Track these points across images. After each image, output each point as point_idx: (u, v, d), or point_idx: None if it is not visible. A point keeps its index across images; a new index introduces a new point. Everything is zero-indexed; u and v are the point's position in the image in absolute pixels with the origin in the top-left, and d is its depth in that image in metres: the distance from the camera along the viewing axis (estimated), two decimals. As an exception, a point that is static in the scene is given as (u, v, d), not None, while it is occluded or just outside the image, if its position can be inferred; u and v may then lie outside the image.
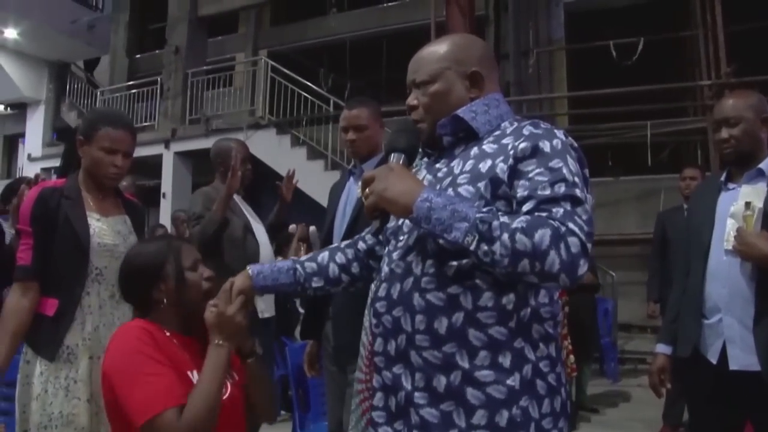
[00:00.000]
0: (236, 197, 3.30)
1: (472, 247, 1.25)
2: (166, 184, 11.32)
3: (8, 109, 15.79)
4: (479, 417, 1.31)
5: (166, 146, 11.31)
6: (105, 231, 2.15)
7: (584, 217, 1.27)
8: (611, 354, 6.42)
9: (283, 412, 4.63)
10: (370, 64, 11.53)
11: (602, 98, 7.92)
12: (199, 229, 3.15)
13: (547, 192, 1.28)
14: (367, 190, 1.38)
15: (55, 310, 2.05)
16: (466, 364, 1.32)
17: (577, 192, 1.29)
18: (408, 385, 1.37)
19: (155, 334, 1.53)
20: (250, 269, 1.64)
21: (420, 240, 1.39)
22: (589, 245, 1.25)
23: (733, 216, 2.18)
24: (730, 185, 2.27)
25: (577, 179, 1.31)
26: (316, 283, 1.64)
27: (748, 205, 2.14)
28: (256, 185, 3.65)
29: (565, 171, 1.30)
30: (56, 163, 13.84)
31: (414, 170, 1.54)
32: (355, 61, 11.69)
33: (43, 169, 13.80)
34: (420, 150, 1.55)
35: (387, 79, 11.38)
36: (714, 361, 2.17)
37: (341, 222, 2.63)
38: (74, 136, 2.27)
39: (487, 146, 1.41)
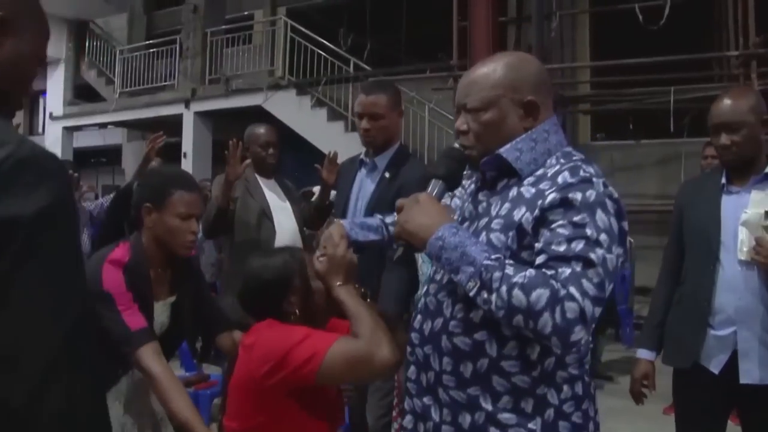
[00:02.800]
0: (263, 181, 3.32)
1: (472, 293, 1.28)
2: (187, 144, 11.40)
3: (28, 67, 15.81)
4: None
5: (186, 106, 11.36)
6: (155, 321, 2.02)
7: (594, 281, 1.23)
8: (627, 320, 6.48)
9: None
10: (390, 23, 11.41)
11: (626, 66, 7.81)
12: (205, 214, 3.22)
13: (561, 249, 1.25)
14: (398, 218, 1.42)
15: None
16: (489, 407, 1.36)
17: (595, 253, 1.24)
18: (436, 417, 1.42)
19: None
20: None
21: (452, 281, 1.38)
22: (591, 311, 1.21)
23: (746, 224, 2.05)
24: (733, 188, 2.14)
25: (603, 236, 1.26)
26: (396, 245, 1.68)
27: (767, 214, 2.03)
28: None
29: (588, 228, 1.25)
30: (77, 122, 13.96)
31: (452, 196, 1.57)
32: (375, 21, 11.58)
33: (65, 129, 13.93)
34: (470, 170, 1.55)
35: (407, 38, 11.27)
36: (716, 372, 2.11)
37: (353, 218, 2.58)
38: (125, 198, 2.10)
39: (526, 189, 1.36)
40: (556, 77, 8.69)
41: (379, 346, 1.45)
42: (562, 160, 1.38)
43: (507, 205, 1.38)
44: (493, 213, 1.39)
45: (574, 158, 1.39)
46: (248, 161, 3.21)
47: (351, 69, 9.61)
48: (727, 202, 2.13)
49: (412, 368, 1.49)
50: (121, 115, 12.63)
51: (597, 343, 5.14)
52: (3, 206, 0.86)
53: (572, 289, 1.21)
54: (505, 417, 1.35)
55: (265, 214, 3.21)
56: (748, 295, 2.05)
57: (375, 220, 1.70)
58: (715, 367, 2.11)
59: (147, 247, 1.96)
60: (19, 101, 1.11)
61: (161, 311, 2.04)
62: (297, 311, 1.60)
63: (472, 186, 1.53)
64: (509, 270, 1.25)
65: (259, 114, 10.24)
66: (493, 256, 1.28)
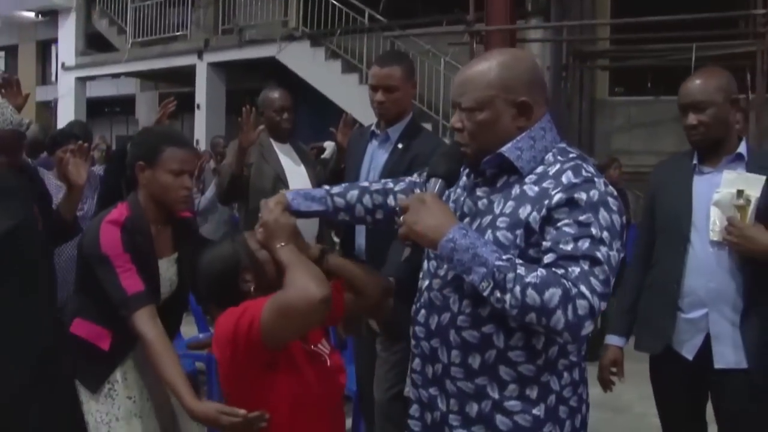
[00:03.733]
0: (278, 146, 3.28)
1: (486, 293, 1.32)
2: (200, 95, 11.36)
3: (39, 16, 15.72)
4: None
5: (199, 57, 11.27)
6: (162, 277, 2.05)
7: (601, 278, 1.30)
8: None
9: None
10: (406, -26, 11.18)
11: (647, 24, 7.63)
12: (219, 180, 3.23)
13: (569, 248, 1.31)
14: (401, 218, 1.42)
15: (110, 344, 1.96)
16: (496, 395, 1.42)
17: (600, 251, 1.31)
18: (443, 407, 1.49)
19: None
20: (286, 193, 1.66)
21: (457, 277, 1.42)
22: (599, 306, 1.29)
23: (718, 204, 2.02)
24: (705, 169, 2.10)
25: (605, 234, 1.33)
26: (342, 217, 1.70)
27: (740, 193, 1.98)
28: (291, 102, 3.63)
29: (593, 227, 1.32)
30: (89, 72, 13.90)
31: (451, 191, 1.55)
32: (390, -29, 11.34)
33: (78, 79, 13.89)
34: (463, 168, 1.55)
35: (423, -9, 11.05)
36: (690, 357, 2.07)
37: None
38: (120, 159, 2.10)
39: (529, 188, 1.41)
40: (574, 33, 8.53)
41: (305, 287, 1.42)
42: (560, 158, 1.44)
43: (511, 203, 1.42)
44: (497, 211, 1.43)
45: (571, 155, 1.45)
46: (262, 127, 3.17)
47: (366, 20, 9.46)
48: (699, 183, 2.09)
49: (417, 360, 1.54)
50: (133, 65, 12.56)
51: (608, 302, 5.14)
52: None
53: (582, 288, 1.28)
54: (511, 404, 1.42)
55: (281, 180, 3.17)
56: (719, 277, 2.02)
57: (320, 191, 1.70)
58: (688, 352, 2.07)
59: (145, 205, 1.98)
60: None
61: (167, 267, 2.05)
62: (252, 288, 1.58)
63: (465, 180, 1.55)
64: (521, 270, 1.30)
65: (273, 65, 10.16)
66: (504, 257, 1.33)
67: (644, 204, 2.32)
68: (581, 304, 1.27)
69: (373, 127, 2.62)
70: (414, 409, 1.57)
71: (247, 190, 3.19)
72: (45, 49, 17.81)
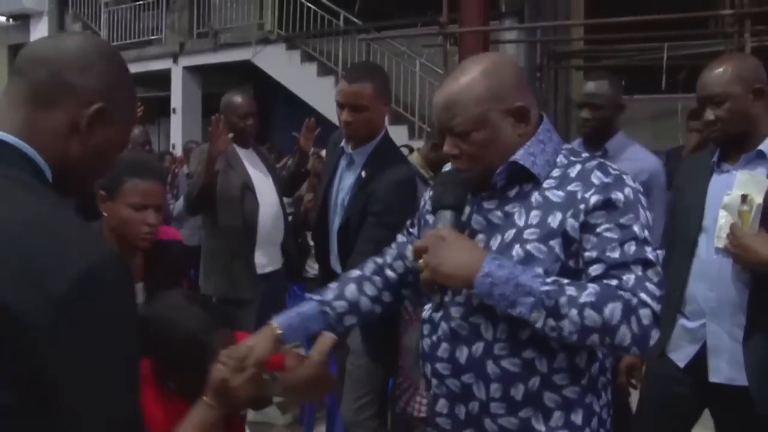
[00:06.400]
0: (241, 151, 3.20)
1: (539, 324, 1.20)
2: (176, 99, 11.28)
3: (11, 20, 15.49)
4: None
5: (175, 60, 11.20)
6: None
7: (656, 280, 1.22)
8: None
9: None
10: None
11: (620, 24, 7.72)
12: (187, 190, 3.15)
13: (617, 255, 1.22)
14: (421, 261, 1.28)
15: None
16: (542, 428, 1.31)
17: (648, 252, 1.23)
18: None
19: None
20: (278, 326, 1.46)
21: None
22: (659, 310, 1.21)
23: (727, 208, 1.86)
24: (724, 167, 1.94)
25: (647, 233, 1.25)
26: (349, 321, 1.52)
27: (744, 198, 1.81)
28: (267, 104, 3.62)
29: (636, 228, 1.24)
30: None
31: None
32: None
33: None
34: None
35: (399, -8, 11.06)
36: (681, 365, 1.97)
37: (334, 212, 2.45)
38: None
39: (551, 193, 1.30)
40: (548, 34, 8.58)
41: None
42: (572, 158, 1.35)
43: (536, 212, 1.30)
44: (521, 223, 1.31)
45: (584, 155, 1.37)
46: (231, 135, 3.07)
47: (341, 23, 9.45)
48: (716, 182, 1.94)
49: (443, 401, 1.38)
50: (108, 69, 12.42)
51: None
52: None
53: (642, 295, 1.19)
54: None
55: (248, 187, 3.11)
56: (720, 287, 1.86)
57: (312, 305, 1.51)
58: (680, 359, 1.97)
59: (107, 235, 1.82)
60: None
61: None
62: (173, 384, 1.46)
63: (469, 195, 1.42)
64: (572, 291, 1.20)
65: (249, 69, 10.12)
66: (548, 280, 1.22)
67: (668, 200, 2.24)
68: (644, 313, 1.18)
69: (342, 143, 2.44)
70: None
71: (215, 199, 3.09)
72: (17, 53, 17.53)
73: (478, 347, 1.32)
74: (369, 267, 1.57)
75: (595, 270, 1.23)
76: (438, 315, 1.39)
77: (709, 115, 1.88)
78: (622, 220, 1.24)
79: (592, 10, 9.01)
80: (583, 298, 1.19)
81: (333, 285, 1.55)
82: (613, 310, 1.17)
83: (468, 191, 1.38)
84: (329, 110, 8.44)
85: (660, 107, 8.13)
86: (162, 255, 1.94)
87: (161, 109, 11.80)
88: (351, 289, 1.52)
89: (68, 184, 0.98)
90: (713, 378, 1.89)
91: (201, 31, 11.14)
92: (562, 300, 1.19)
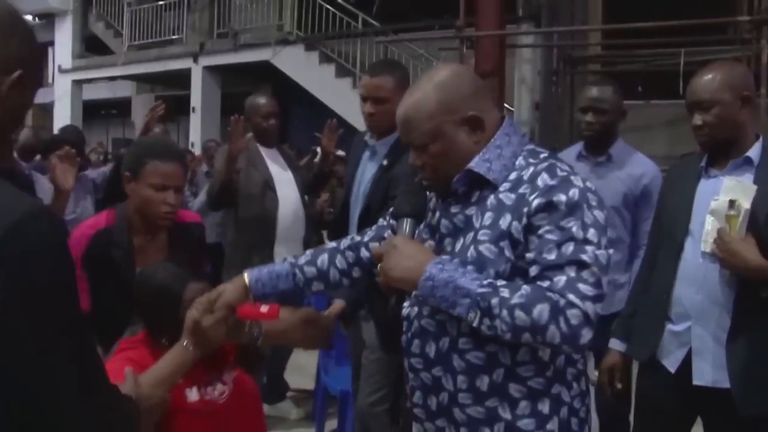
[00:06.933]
0: (265, 150, 3.37)
1: (475, 323, 1.28)
2: (196, 99, 11.41)
3: (36, 19, 15.76)
4: None
5: (195, 60, 11.33)
6: None
7: (591, 281, 1.26)
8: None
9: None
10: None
11: (637, 29, 7.73)
12: (209, 186, 3.32)
13: (553, 256, 1.27)
14: (379, 267, 1.39)
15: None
16: (508, 416, 1.37)
17: (586, 253, 1.26)
18: None
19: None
20: (248, 277, 1.56)
21: None
22: (593, 310, 1.24)
23: (714, 213, 1.88)
24: (712, 172, 1.96)
25: (591, 232, 1.28)
26: (317, 287, 1.61)
27: (732, 203, 1.83)
28: (285, 104, 3.73)
29: (574, 229, 1.27)
30: (86, 75, 13.94)
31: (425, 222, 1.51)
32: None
33: (74, 82, 13.93)
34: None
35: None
36: (672, 371, 1.97)
37: (356, 202, 2.53)
38: (118, 165, 2.06)
39: (505, 196, 1.36)
40: (565, 38, 8.60)
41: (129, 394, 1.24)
42: (531, 160, 1.39)
43: (489, 215, 1.36)
44: (477, 225, 1.38)
45: (542, 156, 1.40)
46: (250, 134, 3.25)
47: (359, 25, 9.53)
48: (703, 187, 1.96)
49: (418, 393, 1.47)
50: (129, 68, 12.61)
51: None
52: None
53: (571, 297, 1.24)
54: (524, 423, 1.37)
55: (269, 185, 3.28)
56: (706, 290, 1.88)
57: (285, 266, 1.60)
58: (671, 364, 1.97)
59: (131, 216, 1.96)
60: (9, 149, 1.15)
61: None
62: (165, 340, 1.56)
63: (436, 201, 1.50)
64: (505, 293, 1.26)
65: (268, 69, 10.23)
66: (485, 282, 1.28)
67: (656, 205, 2.24)
68: (572, 313, 1.23)
69: (366, 137, 2.58)
70: None
71: (236, 196, 3.28)
72: (41, 51, 17.82)
73: (445, 342, 1.40)
74: (345, 242, 1.65)
75: (532, 271, 1.29)
76: (413, 313, 1.47)
77: (697, 120, 1.92)
78: (562, 222, 1.28)
79: (609, 15, 9.02)
80: (514, 300, 1.25)
81: (309, 251, 1.65)
82: (541, 311, 1.23)
83: (426, 199, 1.48)
84: (346, 111, 8.54)
85: (677, 113, 8.11)
86: (184, 235, 2.04)
87: (181, 108, 11.95)
88: (323, 259, 1.60)
89: None
90: (697, 381, 1.91)
91: (221, 31, 11.28)
92: (494, 301, 1.26)
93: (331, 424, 3.47)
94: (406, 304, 1.52)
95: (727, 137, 1.91)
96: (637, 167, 2.51)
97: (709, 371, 1.89)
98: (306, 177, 3.55)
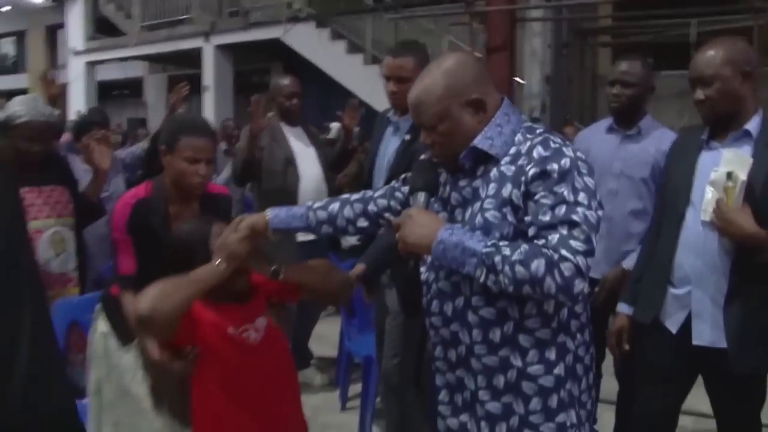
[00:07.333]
0: (288, 128, 3.54)
1: (481, 279, 1.45)
2: (208, 77, 11.49)
3: (47, 1, 15.86)
4: (534, 404, 1.56)
5: (206, 39, 11.39)
6: None
7: (581, 238, 1.41)
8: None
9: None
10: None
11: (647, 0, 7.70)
12: (233, 163, 3.48)
13: (547, 217, 1.43)
14: (397, 235, 1.56)
15: None
16: (519, 363, 1.55)
17: (577, 214, 1.42)
18: (472, 386, 1.61)
19: None
20: (269, 212, 1.79)
21: None
22: (585, 263, 1.40)
23: (713, 184, 1.97)
24: (713, 144, 2.06)
25: (581, 196, 1.44)
26: (325, 230, 1.82)
27: (730, 175, 1.93)
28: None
29: (566, 193, 1.43)
30: (99, 56, 14.05)
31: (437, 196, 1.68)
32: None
33: (87, 63, 14.05)
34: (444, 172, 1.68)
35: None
36: (674, 331, 2.08)
37: (379, 174, 2.65)
38: (155, 141, 2.30)
39: (506, 168, 1.52)
40: (575, 11, 8.59)
41: (141, 298, 1.64)
42: (528, 135, 1.55)
43: (493, 185, 1.53)
44: (483, 195, 1.55)
45: (538, 131, 1.57)
46: (272, 113, 3.41)
47: (370, 1, 9.56)
48: (704, 158, 2.05)
49: (439, 348, 1.67)
50: (141, 49, 12.70)
51: None
52: None
53: (563, 251, 1.39)
54: (534, 369, 1.55)
55: (290, 162, 3.45)
56: (705, 256, 2.00)
57: (302, 208, 1.83)
58: (673, 325, 2.09)
59: (167, 186, 2.15)
60: None
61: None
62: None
63: (448, 176, 1.66)
64: (506, 251, 1.42)
65: (279, 47, 10.30)
66: (489, 243, 1.45)
67: (661, 180, 2.32)
68: (566, 266, 1.38)
69: (389, 114, 2.72)
70: (443, 395, 1.69)
71: (260, 172, 3.45)
72: (53, 34, 17.94)
73: (460, 301, 1.59)
74: (358, 195, 1.86)
75: (530, 231, 1.46)
76: (431, 277, 1.66)
77: (699, 95, 2.00)
78: (555, 188, 1.45)
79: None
80: (515, 257, 1.41)
81: (327, 199, 1.87)
82: (538, 265, 1.39)
83: (437, 174, 1.65)
84: (357, 87, 8.62)
85: (687, 84, 8.14)
86: (213, 204, 2.24)
87: (193, 87, 12.01)
88: (334, 206, 1.81)
89: None
90: (696, 341, 2.03)
91: (231, 9, 11.32)
92: (497, 259, 1.42)
93: (354, 389, 3.62)
94: (423, 269, 1.69)
95: (728, 111, 1.99)
96: (665, 141, 2.56)
97: (708, 332, 2.01)
98: (330, 154, 3.69)
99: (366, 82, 8.33)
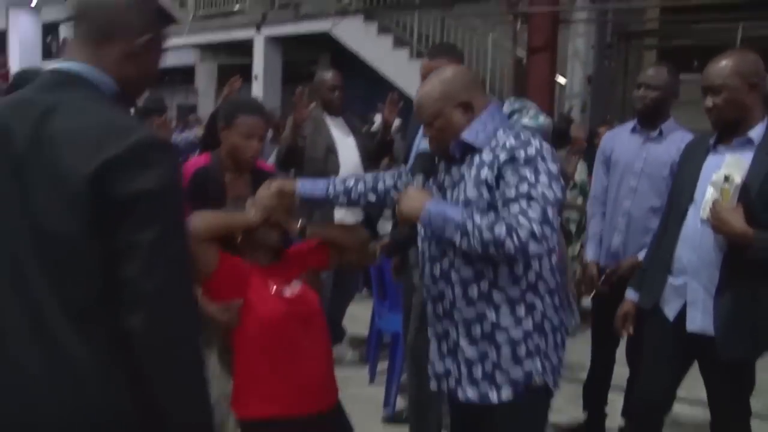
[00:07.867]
0: (331, 119, 3.85)
1: (457, 242, 1.78)
2: (258, 67, 11.80)
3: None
4: (505, 351, 1.86)
5: (257, 30, 11.71)
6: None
7: (537, 209, 1.71)
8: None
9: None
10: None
11: (695, 6, 7.69)
12: (278, 149, 3.81)
13: (512, 193, 1.75)
14: (396, 208, 1.94)
15: None
16: (493, 316, 1.86)
17: (535, 190, 1.73)
18: (454, 335, 1.93)
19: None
20: (299, 181, 2.19)
21: None
22: (540, 229, 1.69)
23: (713, 185, 2.15)
24: (719, 148, 2.24)
25: (542, 177, 1.75)
26: (342, 200, 2.21)
27: (727, 177, 2.11)
28: (344, 75, 4.06)
29: (528, 174, 1.75)
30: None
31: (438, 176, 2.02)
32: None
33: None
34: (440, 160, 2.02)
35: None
36: (670, 318, 2.27)
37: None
38: (214, 119, 2.64)
39: (486, 155, 1.85)
40: (621, 14, 8.58)
41: (197, 218, 2.02)
42: (507, 131, 1.88)
43: (474, 170, 1.87)
44: (466, 177, 1.89)
45: (516, 129, 1.90)
46: (314, 104, 3.71)
47: (418, -4, 9.70)
48: (710, 161, 2.23)
49: (430, 303, 2.01)
50: (194, 38, 13.08)
51: None
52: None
53: (521, 218, 1.71)
54: (506, 322, 1.86)
55: (331, 150, 3.77)
56: (701, 251, 2.18)
57: (326, 180, 2.22)
58: (670, 312, 2.29)
59: (224, 156, 2.43)
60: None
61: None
62: (238, 239, 2.15)
63: (444, 164, 2.00)
64: (477, 219, 1.76)
65: (327, 39, 10.54)
66: (465, 213, 1.78)
67: (672, 180, 2.53)
68: (522, 230, 1.69)
69: None
70: (433, 343, 2.03)
71: (302, 159, 3.74)
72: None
73: (446, 262, 1.92)
74: (370, 174, 2.27)
75: (498, 204, 1.78)
76: (425, 245, 2.00)
77: (708, 102, 2.18)
78: (520, 170, 1.77)
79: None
80: (483, 223, 1.74)
81: (346, 175, 2.28)
82: (500, 230, 1.71)
83: (434, 163, 2.02)
84: (403, 81, 8.77)
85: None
86: (262, 177, 2.45)
87: (243, 76, 12.32)
88: (350, 182, 2.20)
89: (126, 96, 1.31)
90: (690, 327, 2.22)
91: (282, 2, 11.61)
92: (470, 225, 1.76)
93: (383, 365, 3.86)
94: (420, 240, 2.04)
95: (734, 118, 2.17)
96: (681, 143, 2.72)
97: (700, 319, 2.20)
98: (369, 144, 3.93)
99: (410, 76, 8.48)
